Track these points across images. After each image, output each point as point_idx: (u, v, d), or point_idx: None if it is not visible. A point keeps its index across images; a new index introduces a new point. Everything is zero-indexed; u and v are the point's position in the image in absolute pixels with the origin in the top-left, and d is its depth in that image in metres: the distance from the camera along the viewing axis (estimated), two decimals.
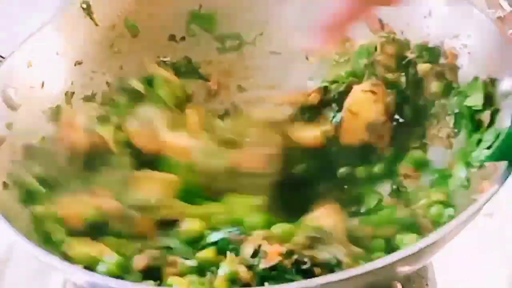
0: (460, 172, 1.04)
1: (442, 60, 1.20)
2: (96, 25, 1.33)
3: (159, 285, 0.96)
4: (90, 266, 0.95)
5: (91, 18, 1.32)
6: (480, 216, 0.93)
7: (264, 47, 1.41)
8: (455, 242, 0.93)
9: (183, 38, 1.41)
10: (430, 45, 1.22)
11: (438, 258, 1.11)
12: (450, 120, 1.14)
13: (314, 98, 1.22)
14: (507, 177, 0.91)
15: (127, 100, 1.28)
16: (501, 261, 1.19)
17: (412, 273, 1.11)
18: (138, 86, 1.28)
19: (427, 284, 1.13)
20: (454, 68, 1.17)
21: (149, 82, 1.30)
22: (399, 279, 1.08)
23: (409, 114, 1.22)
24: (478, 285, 1.16)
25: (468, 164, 1.03)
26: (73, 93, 1.27)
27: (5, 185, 1.05)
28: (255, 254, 0.93)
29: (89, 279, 0.88)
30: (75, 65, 1.29)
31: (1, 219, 0.94)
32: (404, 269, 0.93)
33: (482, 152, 1.00)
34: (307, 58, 1.35)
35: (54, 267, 0.94)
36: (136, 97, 1.28)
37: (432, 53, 1.21)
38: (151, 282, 0.96)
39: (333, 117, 1.23)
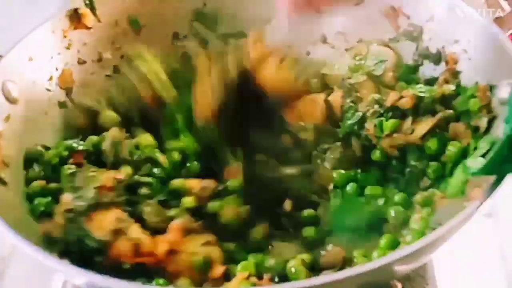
0: (459, 177, 1.04)
1: (443, 66, 1.20)
2: (99, 21, 1.33)
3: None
4: None
5: (94, 15, 1.32)
6: (479, 216, 0.94)
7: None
8: (455, 241, 0.93)
9: (185, 37, 1.40)
10: (431, 50, 1.22)
11: (437, 257, 1.15)
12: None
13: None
14: (494, 191, 0.91)
15: None
16: (500, 260, 1.19)
17: (412, 272, 1.12)
18: None
19: (427, 284, 1.13)
20: (456, 73, 1.16)
21: None
22: (398, 278, 1.09)
23: None
24: (477, 284, 1.17)
25: (465, 170, 1.03)
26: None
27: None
28: None
29: (89, 280, 0.87)
30: (78, 63, 1.31)
31: (1, 222, 0.93)
32: (402, 268, 0.93)
33: (476, 160, 1.00)
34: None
35: (54, 268, 0.94)
36: None
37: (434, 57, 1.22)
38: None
39: None
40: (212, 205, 1.13)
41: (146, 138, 1.21)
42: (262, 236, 1.13)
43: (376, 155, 1.16)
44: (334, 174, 1.17)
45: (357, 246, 1.04)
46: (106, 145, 1.17)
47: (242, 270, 0.99)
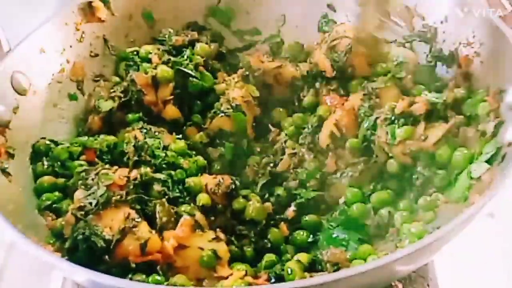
0: (463, 182, 1.02)
1: (455, 68, 1.17)
2: (112, 14, 1.34)
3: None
4: None
5: (108, 8, 1.33)
6: (482, 216, 0.92)
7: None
8: (456, 242, 0.91)
9: (200, 32, 1.40)
10: (444, 52, 1.19)
11: (439, 258, 1.12)
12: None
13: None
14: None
15: None
16: (502, 260, 1.17)
17: (413, 273, 1.10)
18: None
19: (428, 285, 1.11)
20: (468, 76, 1.14)
21: None
22: (399, 279, 1.08)
23: None
24: (479, 284, 1.15)
25: (469, 174, 1.01)
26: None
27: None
28: None
29: (90, 277, 0.87)
30: (90, 56, 1.31)
31: (2, 220, 0.93)
32: (402, 269, 0.92)
33: (481, 165, 0.98)
34: None
35: (54, 266, 0.94)
36: None
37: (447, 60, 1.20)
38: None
39: None
40: (237, 202, 1.12)
41: (178, 144, 1.20)
42: (280, 237, 1.12)
43: (392, 167, 1.12)
44: (348, 193, 1.13)
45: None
46: (128, 147, 1.15)
47: (238, 269, 0.99)
